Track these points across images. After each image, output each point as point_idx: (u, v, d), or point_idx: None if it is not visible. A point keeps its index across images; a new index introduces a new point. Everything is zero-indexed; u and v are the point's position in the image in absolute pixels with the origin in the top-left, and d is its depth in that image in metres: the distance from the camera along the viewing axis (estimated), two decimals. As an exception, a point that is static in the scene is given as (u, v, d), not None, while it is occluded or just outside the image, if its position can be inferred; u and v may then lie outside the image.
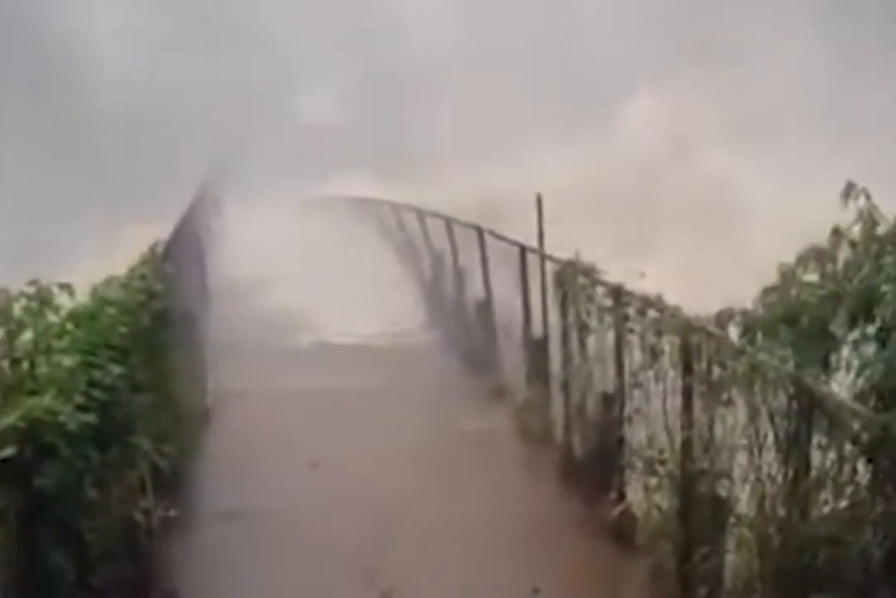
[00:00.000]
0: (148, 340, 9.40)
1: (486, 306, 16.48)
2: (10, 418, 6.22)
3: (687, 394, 8.29)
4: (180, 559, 9.66)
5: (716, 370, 7.79)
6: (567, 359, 11.73)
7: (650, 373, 9.22)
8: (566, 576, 9.37)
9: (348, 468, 12.06)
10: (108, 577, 7.39)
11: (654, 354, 9.11)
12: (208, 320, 17.70)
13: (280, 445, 13.00)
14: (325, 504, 11.05)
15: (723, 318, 7.63)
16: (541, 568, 9.47)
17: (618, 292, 10.07)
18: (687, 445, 8.32)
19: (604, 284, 10.55)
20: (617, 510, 9.94)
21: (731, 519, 7.73)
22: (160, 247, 11.39)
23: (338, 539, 10.12)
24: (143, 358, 8.94)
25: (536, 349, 13.41)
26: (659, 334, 9.00)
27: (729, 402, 7.60)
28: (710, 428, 7.90)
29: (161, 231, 12.84)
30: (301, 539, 10.17)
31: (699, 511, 8.15)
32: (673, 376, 8.66)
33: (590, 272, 10.93)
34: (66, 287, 8.24)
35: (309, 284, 20.82)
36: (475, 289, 17.19)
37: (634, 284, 9.86)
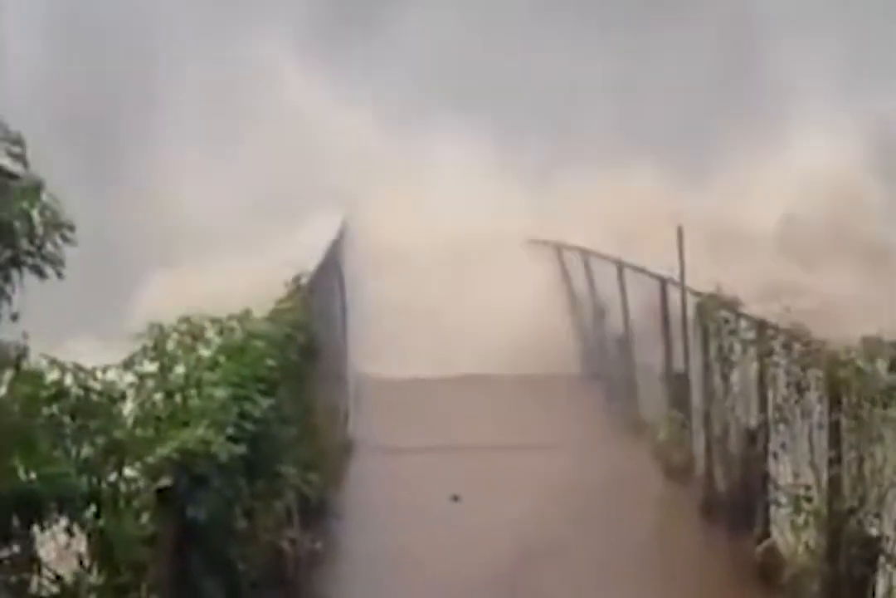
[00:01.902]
0: (294, 372, 9.57)
1: (625, 341, 16.40)
2: (166, 450, 6.39)
3: (834, 429, 8.15)
4: (326, 590, 9.78)
5: (865, 405, 7.65)
6: (709, 393, 11.61)
7: (795, 407, 9.10)
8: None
9: (491, 504, 12.07)
10: (256, 606, 7.53)
11: (799, 388, 8.98)
12: (349, 351, 17.91)
13: (421, 475, 13.09)
14: (468, 541, 11.04)
15: (871, 349, 7.50)
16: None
17: (762, 326, 9.95)
18: (835, 481, 8.17)
19: (747, 317, 10.44)
20: (762, 548, 9.78)
21: (882, 559, 7.56)
22: (305, 279, 11.59)
23: (482, 578, 10.11)
24: (289, 390, 9.11)
25: (677, 384, 13.30)
26: (805, 367, 8.88)
27: (880, 438, 7.45)
28: (860, 465, 7.75)
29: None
30: (443, 577, 10.20)
31: (848, 550, 7.98)
32: (819, 411, 8.52)
33: (732, 305, 10.83)
34: (216, 322, 8.49)
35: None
36: (615, 323, 17.11)
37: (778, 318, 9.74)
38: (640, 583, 9.87)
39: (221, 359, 8.13)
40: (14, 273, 7.41)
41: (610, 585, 9.85)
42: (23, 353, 7.27)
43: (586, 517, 11.51)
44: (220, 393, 7.39)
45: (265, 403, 7.68)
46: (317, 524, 10.33)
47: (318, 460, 10.68)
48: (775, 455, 9.75)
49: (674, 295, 13.45)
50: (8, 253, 7.39)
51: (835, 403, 8.12)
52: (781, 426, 9.52)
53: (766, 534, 9.93)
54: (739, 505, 10.55)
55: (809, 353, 8.79)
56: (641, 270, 14.95)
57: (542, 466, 13.36)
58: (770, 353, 9.69)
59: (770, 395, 9.75)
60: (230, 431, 7.05)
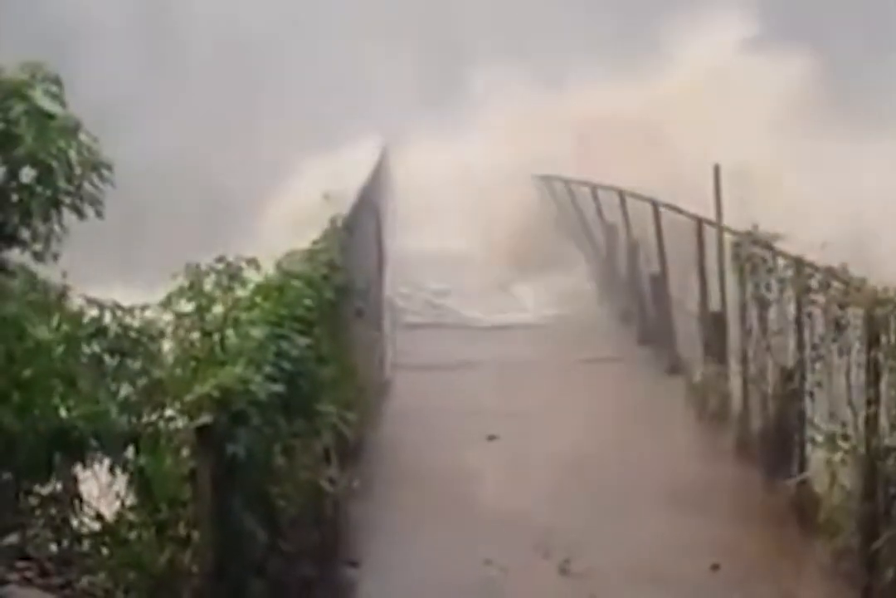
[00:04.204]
0: (331, 312, 9.60)
1: (660, 281, 16.33)
2: (205, 388, 6.43)
3: (873, 368, 8.10)
4: (364, 527, 9.87)
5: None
6: (745, 333, 11.56)
7: (833, 346, 9.05)
8: (744, 553, 9.26)
9: (527, 439, 12.14)
10: (296, 542, 7.61)
11: (837, 326, 8.92)
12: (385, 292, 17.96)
13: (457, 414, 13.15)
14: (504, 473, 11.13)
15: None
16: (719, 544, 9.40)
17: (799, 264, 9.88)
18: (872, 420, 8.14)
19: (784, 255, 10.36)
20: (796, 480, 9.78)
21: (921, 497, 7.55)
22: (341, 219, 11.59)
23: (517, 506, 10.20)
24: (326, 330, 9.13)
25: (713, 323, 13.25)
26: (843, 306, 8.81)
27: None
28: (899, 403, 7.72)
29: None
30: (484, 509, 10.27)
31: (886, 489, 7.97)
32: (857, 349, 8.48)
33: (770, 243, 10.74)
34: (253, 262, 8.51)
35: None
36: (650, 263, 17.03)
37: (816, 255, 9.68)
38: (675, 523, 9.90)
39: (258, 299, 8.16)
40: (53, 213, 7.45)
41: (644, 524, 9.89)
42: (63, 293, 7.32)
43: (621, 459, 11.55)
44: (258, 332, 7.43)
45: (302, 342, 7.71)
46: (354, 462, 10.41)
47: (355, 399, 10.73)
48: (812, 394, 9.72)
49: (710, 234, 13.37)
50: (47, 193, 7.41)
51: (874, 341, 8.06)
52: (818, 365, 9.48)
53: (803, 473, 9.91)
54: (776, 445, 10.54)
55: (848, 291, 8.72)
56: (676, 209, 14.84)
57: (576, 407, 13.39)
58: (808, 291, 9.63)
59: (807, 334, 9.70)
60: (268, 369, 7.09)
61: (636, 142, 25.29)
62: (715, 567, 8.90)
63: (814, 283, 9.55)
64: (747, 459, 11.19)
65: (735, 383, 12.13)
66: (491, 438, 12.29)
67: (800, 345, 9.91)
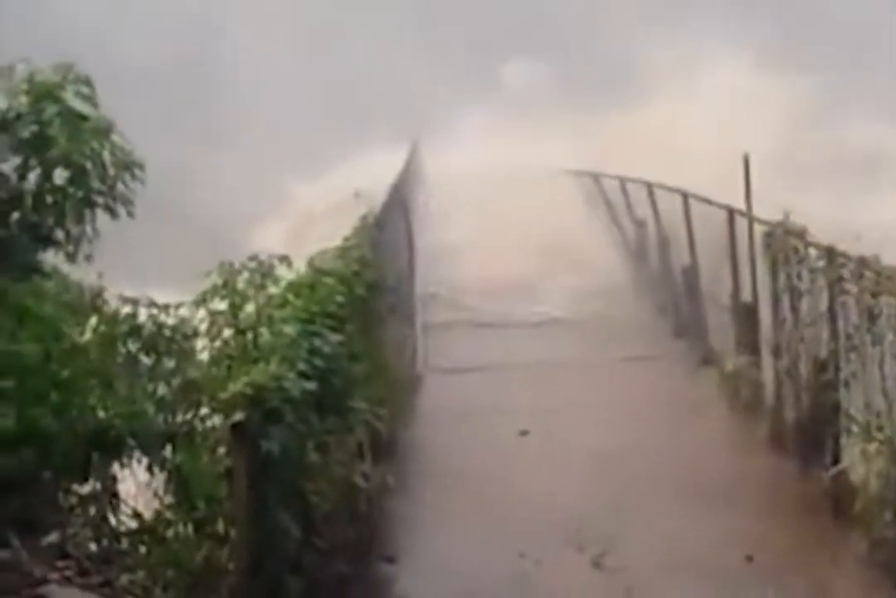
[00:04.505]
0: (362, 308, 9.63)
1: (692, 272, 16.28)
2: (239, 385, 6.48)
3: (908, 358, 8.08)
4: (399, 523, 9.91)
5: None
6: (778, 323, 11.53)
7: (866, 336, 9.01)
8: (779, 544, 9.24)
9: (559, 434, 12.14)
10: (330, 539, 7.65)
11: (871, 316, 8.89)
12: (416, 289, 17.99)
13: (489, 411, 13.17)
14: (537, 474, 11.13)
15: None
16: (753, 534, 9.38)
17: (831, 253, 9.84)
18: (907, 410, 8.12)
19: (816, 245, 10.32)
20: (832, 473, 9.75)
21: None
22: (372, 216, 11.62)
23: (551, 500, 10.21)
24: (358, 326, 9.17)
25: (745, 314, 13.21)
26: (876, 295, 8.78)
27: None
28: (934, 393, 7.69)
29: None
30: (517, 505, 10.28)
31: (922, 479, 7.95)
32: (891, 339, 8.44)
33: (801, 234, 10.70)
34: (285, 260, 8.56)
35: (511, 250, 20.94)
36: (680, 255, 16.98)
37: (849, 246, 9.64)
38: (710, 514, 9.88)
39: (291, 296, 8.21)
40: (87, 213, 7.52)
41: (679, 515, 9.88)
42: (99, 293, 7.39)
43: (655, 450, 11.53)
44: (290, 330, 7.48)
45: (335, 339, 7.75)
46: (388, 457, 10.44)
47: (387, 395, 10.77)
48: (846, 384, 9.68)
49: (741, 225, 13.32)
50: (80, 193, 7.48)
51: (908, 331, 8.04)
52: (852, 355, 9.44)
53: (837, 464, 9.88)
54: (809, 435, 10.51)
55: (880, 281, 8.69)
56: (706, 201, 14.80)
57: (609, 400, 13.38)
58: (840, 281, 9.59)
59: (840, 323, 9.66)
60: (301, 366, 7.14)
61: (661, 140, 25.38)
62: (749, 558, 8.89)
63: (846, 272, 9.51)
64: (781, 450, 11.16)
65: (768, 374, 12.09)
66: (523, 433, 12.30)
67: (833, 335, 9.88)
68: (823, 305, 10.13)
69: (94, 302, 7.38)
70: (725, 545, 9.20)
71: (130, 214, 7.69)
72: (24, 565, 6.80)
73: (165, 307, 7.54)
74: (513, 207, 23.75)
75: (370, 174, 16.93)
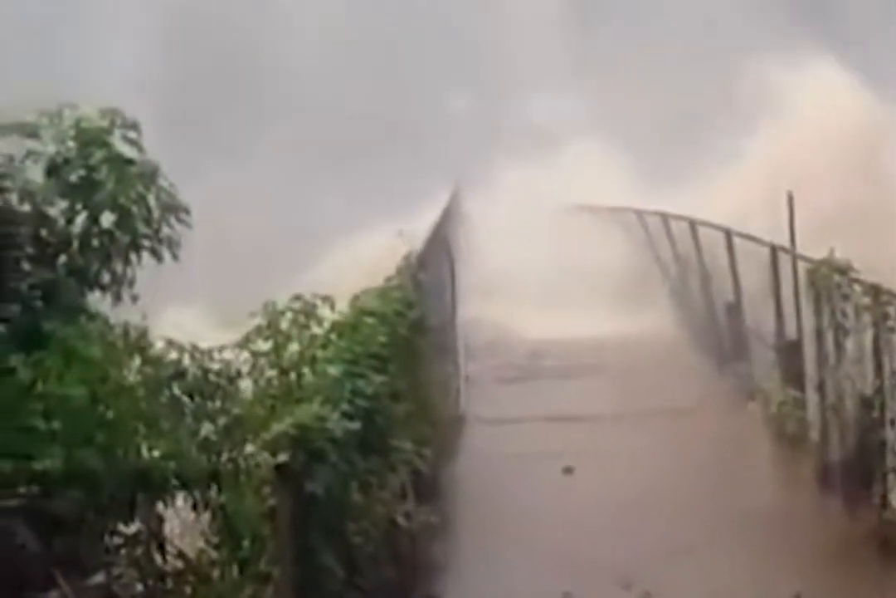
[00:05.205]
0: (405, 348, 9.67)
1: (736, 309, 16.23)
2: (283, 425, 6.52)
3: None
4: (441, 562, 9.89)
5: None
6: (822, 360, 11.46)
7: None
8: (826, 582, 9.16)
9: (604, 475, 12.08)
10: (373, 579, 7.66)
11: (917, 354, 8.84)
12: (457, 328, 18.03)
13: (532, 444, 13.15)
14: (580, 510, 11.08)
15: None
16: (800, 573, 9.31)
17: (876, 290, 9.79)
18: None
19: (861, 282, 10.28)
20: (878, 511, 9.67)
21: None
22: (414, 256, 11.68)
23: (595, 539, 10.16)
24: (401, 366, 9.21)
25: (790, 351, 13.15)
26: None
27: None
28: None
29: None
30: (562, 544, 10.25)
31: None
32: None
33: (846, 271, 10.66)
34: (328, 299, 8.63)
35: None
36: (724, 292, 16.94)
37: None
38: (756, 552, 9.81)
39: (333, 336, 8.26)
40: (133, 257, 7.63)
41: (726, 554, 9.81)
42: (143, 334, 7.48)
43: (701, 489, 11.47)
44: (334, 370, 7.53)
45: (378, 379, 7.79)
46: (431, 497, 10.44)
47: (430, 434, 10.78)
48: (893, 422, 9.61)
49: (784, 263, 13.28)
50: (127, 237, 7.60)
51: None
52: (899, 394, 9.39)
53: (885, 503, 9.79)
54: (856, 474, 10.42)
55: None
56: (749, 238, 14.78)
57: (654, 436, 13.33)
58: (885, 318, 9.54)
59: (886, 361, 9.60)
60: (344, 407, 7.18)
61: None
62: (797, 597, 8.80)
63: (891, 310, 9.47)
64: (828, 488, 11.06)
65: (813, 412, 12.01)
66: (567, 470, 12.27)
67: (878, 372, 9.81)
68: (868, 342, 10.07)
69: (138, 344, 7.47)
70: (773, 583, 9.13)
71: (175, 257, 7.80)
72: (70, 605, 6.85)
73: (209, 351, 7.62)
74: (552, 244, 23.79)
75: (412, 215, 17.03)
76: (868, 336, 10.10)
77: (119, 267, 7.87)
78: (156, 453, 7.11)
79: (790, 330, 13.25)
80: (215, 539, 7.18)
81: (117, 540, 7.33)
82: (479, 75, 31.77)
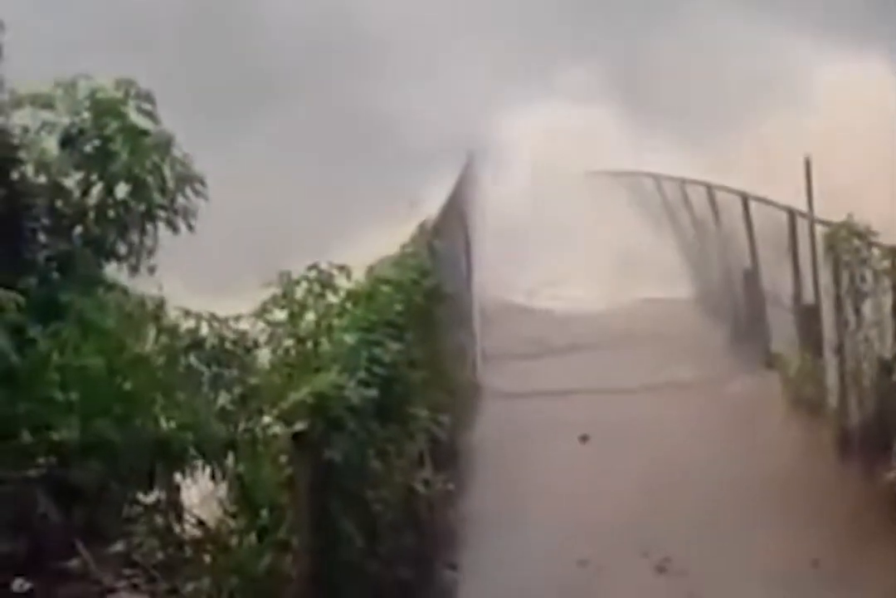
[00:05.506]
0: (421, 316, 9.67)
1: (753, 274, 16.17)
2: (301, 394, 6.54)
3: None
4: (460, 529, 9.93)
5: None
6: (841, 325, 11.42)
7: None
8: (845, 547, 9.17)
9: (619, 437, 12.10)
10: (392, 546, 7.69)
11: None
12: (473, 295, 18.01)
13: (548, 413, 13.16)
14: (597, 478, 11.11)
15: None
16: (819, 539, 9.31)
17: (895, 254, 9.74)
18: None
19: (879, 246, 10.22)
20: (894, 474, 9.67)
21: None
22: (429, 224, 11.66)
23: (613, 505, 10.19)
24: (417, 334, 9.21)
25: (808, 316, 13.10)
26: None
27: None
28: None
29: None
30: (580, 510, 10.27)
31: None
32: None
33: (864, 234, 10.59)
34: (344, 269, 8.63)
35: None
36: (741, 256, 16.86)
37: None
38: (775, 517, 9.82)
39: (349, 305, 8.26)
40: (149, 227, 7.64)
41: (743, 520, 9.82)
42: (160, 305, 7.49)
43: (718, 455, 11.47)
44: (350, 338, 7.53)
45: (394, 347, 7.79)
46: (448, 464, 10.47)
47: (447, 402, 10.79)
48: (911, 386, 9.59)
49: (802, 227, 13.22)
50: (142, 207, 7.61)
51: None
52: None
53: (903, 466, 9.80)
54: (875, 437, 10.41)
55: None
56: (767, 202, 14.69)
57: (672, 405, 13.32)
58: (905, 282, 9.50)
59: (905, 325, 9.57)
60: (361, 375, 7.18)
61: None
62: (815, 563, 8.82)
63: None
64: (847, 452, 11.05)
65: (832, 377, 11.98)
66: (583, 438, 12.28)
67: (897, 336, 9.79)
68: (887, 306, 10.03)
69: (155, 314, 7.49)
70: (791, 549, 9.14)
71: (191, 228, 7.81)
72: (92, 573, 6.91)
73: (226, 320, 7.64)
74: (570, 208, 23.71)
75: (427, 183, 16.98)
76: (887, 300, 10.06)
77: (136, 237, 7.87)
78: (173, 424, 7.14)
79: (808, 295, 13.19)
80: (233, 508, 7.22)
81: (137, 509, 7.39)
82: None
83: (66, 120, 8.03)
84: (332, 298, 8.34)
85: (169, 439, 7.09)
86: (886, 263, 10.03)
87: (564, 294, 20.41)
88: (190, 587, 7.08)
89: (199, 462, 7.26)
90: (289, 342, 8.03)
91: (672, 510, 10.16)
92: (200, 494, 7.37)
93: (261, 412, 7.41)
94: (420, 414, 8.63)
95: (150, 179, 7.73)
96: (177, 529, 7.34)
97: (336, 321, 8.05)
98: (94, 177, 7.86)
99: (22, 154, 7.89)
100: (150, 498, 7.35)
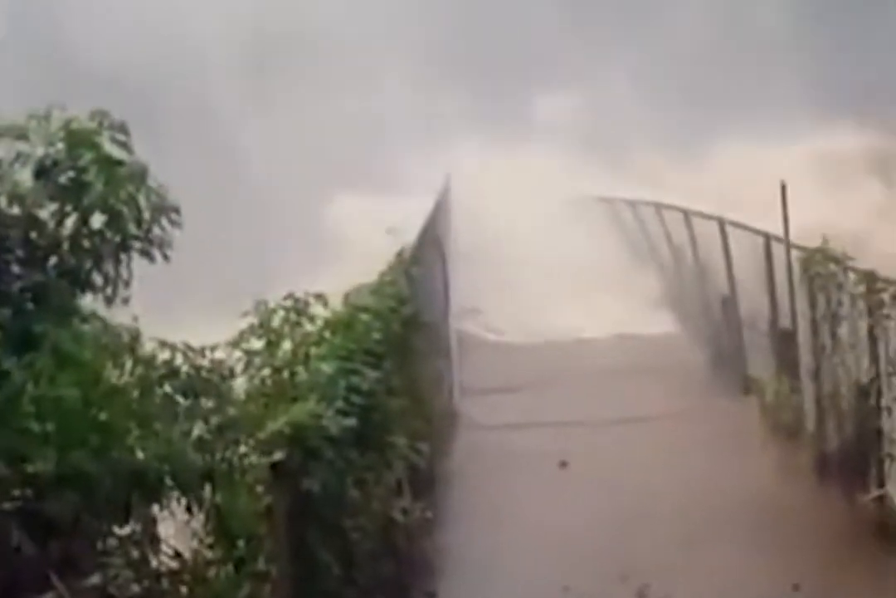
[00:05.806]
0: (399, 344, 9.66)
1: (730, 299, 16.22)
2: (278, 424, 6.52)
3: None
4: (439, 558, 9.88)
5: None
6: (817, 349, 11.44)
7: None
8: (825, 571, 9.17)
9: (598, 465, 12.09)
10: (371, 575, 7.65)
11: (912, 341, 8.83)
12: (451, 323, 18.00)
13: (527, 439, 13.13)
14: (577, 504, 11.08)
15: None
16: (799, 563, 9.32)
17: (871, 278, 9.78)
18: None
19: (855, 270, 10.26)
20: (872, 496, 9.67)
21: None
22: (407, 252, 11.66)
23: (593, 532, 10.16)
24: (395, 362, 9.20)
25: (784, 341, 13.13)
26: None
27: None
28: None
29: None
30: (555, 540, 10.24)
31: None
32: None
33: (840, 259, 10.64)
34: (321, 297, 8.62)
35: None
36: (718, 281, 16.91)
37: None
38: (755, 543, 9.81)
39: (327, 334, 8.25)
40: (124, 257, 7.61)
41: (723, 545, 9.82)
42: (135, 335, 7.46)
43: (698, 480, 11.47)
44: (328, 367, 7.51)
45: (372, 375, 7.78)
46: (427, 492, 10.43)
47: (425, 430, 10.77)
48: (889, 410, 9.60)
49: (778, 251, 13.26)
50: (118, 238, 7.59)
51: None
52: (894, 380, 9.37)
53: (882, 490, 9.79)
54: (853, 462, 10.42)
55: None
56: (743, 227, 14.75)
57: (650, 430, 13.32)
58: (880, 306, 9.53)
59: (881, 348, 9.59)
60: (339, 404, 7.17)
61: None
62: (796, 587, 8.81)
63: (886, 296, 9.46)
64: (825, 476, 11.06)
65: (809, 401, 12.00)
66: (563, 464, 12.27)
67: (874, 360, 9.80)
68: (864, 330, 10.06)
69: (131, 345, 7.46)
70: (772, 573, 9.14)
71: (166, 258, 7.78)
72: (67, 607, 6.84)
73: (202, 350, 7.61)
74: (546, 237, 23.75)
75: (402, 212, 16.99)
76: (863, 324, 10.09)
77: (111, 268, 7.84)
78: (149, 454, 7.10)
79: (785, 319, 13.23)
80: (210, 539, 7.18)
81: (112, 541, 7.32)
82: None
83: (40, 151, 8.01)
84: (308, 326, 8.33)
85: (145, 469, 7.04)
86: (862, 288, 10.07)
87: (539, 324, 20.42)
88: (168, 619, 7.03)
89: (176, 493, 7.22)
90: (266, 372, 8.02)
91: (651, 535, 10.15)
92: (176, 525, 7.33)
93: (238, 442, 7.38)
94: (398, 442, 8.61)
95: (125, 209, 7.70)
96: (153, 561, 7.29)
97: (314, 350, 8.04)
98: (68, 208, 7.83)
99: (-5, 186, 7.87)
100: (126, 530, 7.29)
